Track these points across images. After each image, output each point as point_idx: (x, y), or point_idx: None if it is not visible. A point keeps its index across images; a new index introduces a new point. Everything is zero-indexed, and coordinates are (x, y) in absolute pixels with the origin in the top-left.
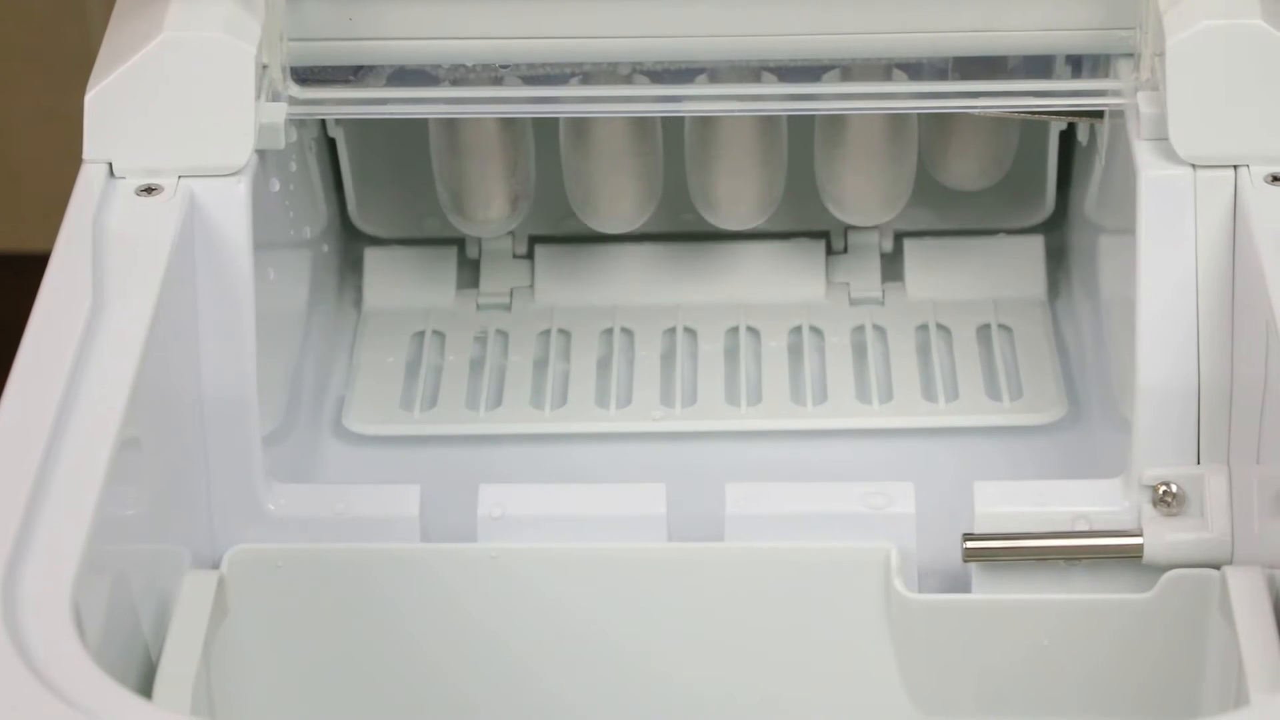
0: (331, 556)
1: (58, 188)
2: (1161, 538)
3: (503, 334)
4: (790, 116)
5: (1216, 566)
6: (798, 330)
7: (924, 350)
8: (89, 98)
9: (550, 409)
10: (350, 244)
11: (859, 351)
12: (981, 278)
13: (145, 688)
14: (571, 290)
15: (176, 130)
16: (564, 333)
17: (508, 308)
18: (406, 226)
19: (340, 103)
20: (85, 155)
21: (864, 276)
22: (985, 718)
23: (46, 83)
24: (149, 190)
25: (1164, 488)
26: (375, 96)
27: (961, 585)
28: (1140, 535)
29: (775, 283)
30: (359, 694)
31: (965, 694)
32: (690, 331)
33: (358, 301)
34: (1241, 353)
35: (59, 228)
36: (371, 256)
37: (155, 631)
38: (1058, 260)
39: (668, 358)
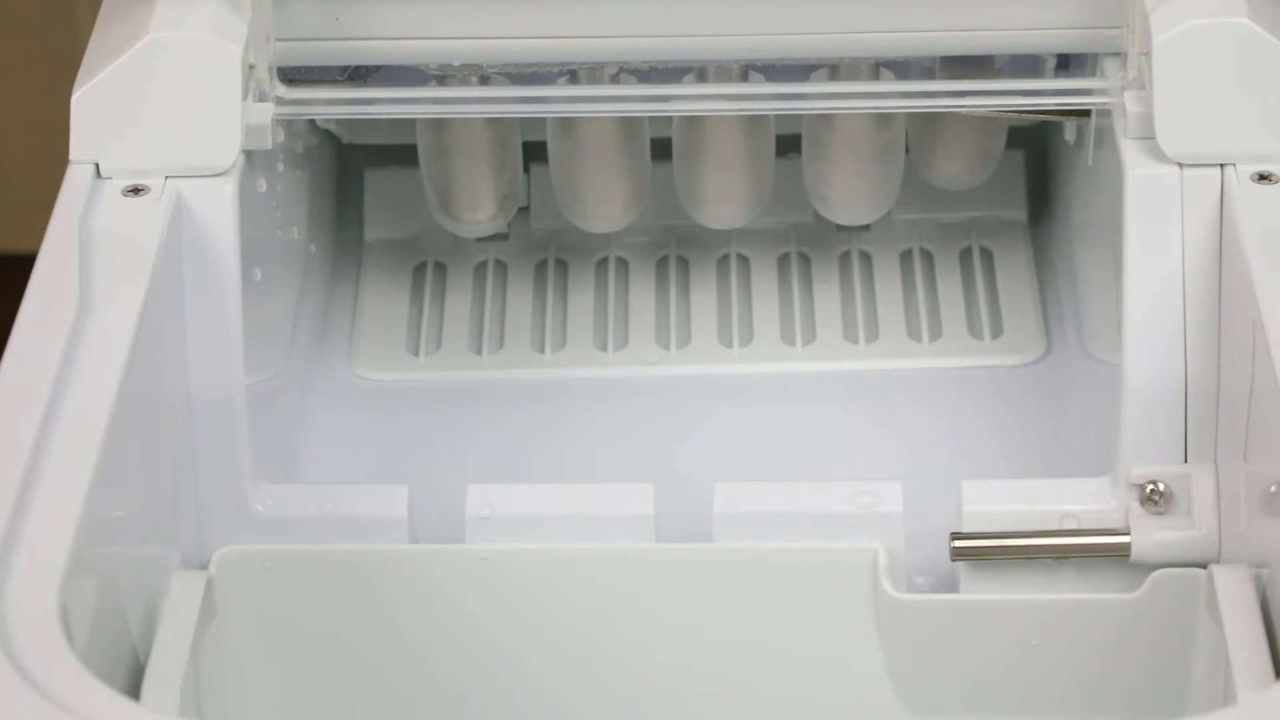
0: (320, 557)
1: (44, 188)
2: (1149, 536)
3: (502, 265)
4: (778, 116)
5: (1203, 565)
6: (787, 258)
7: (909, 281)
8: (75, 98)
9: (550, 351)
10: (347, 172)
11: (846, 282)
12: (965, 196)
13: (133, 689)
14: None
15: (163, 131)
16: (561, 263)
17: (506, 236)
18: (398, 132)
19: (327, 103)
20: (72, 156)
21: None
22: (973, 717)
23: (33, 83)
24: (136, 191)
25: (1151, 486)
26: (362, 96)
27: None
28: (1128, 534)
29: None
30: (348, 695)
31: (953, 693)
32: (683, 260)
33: (359, 229)
34: (1228, 351)
35: (46, 228)
36: (371, 179)
37: (143, 633)
38: (1039, 181)
39: (662, 290)
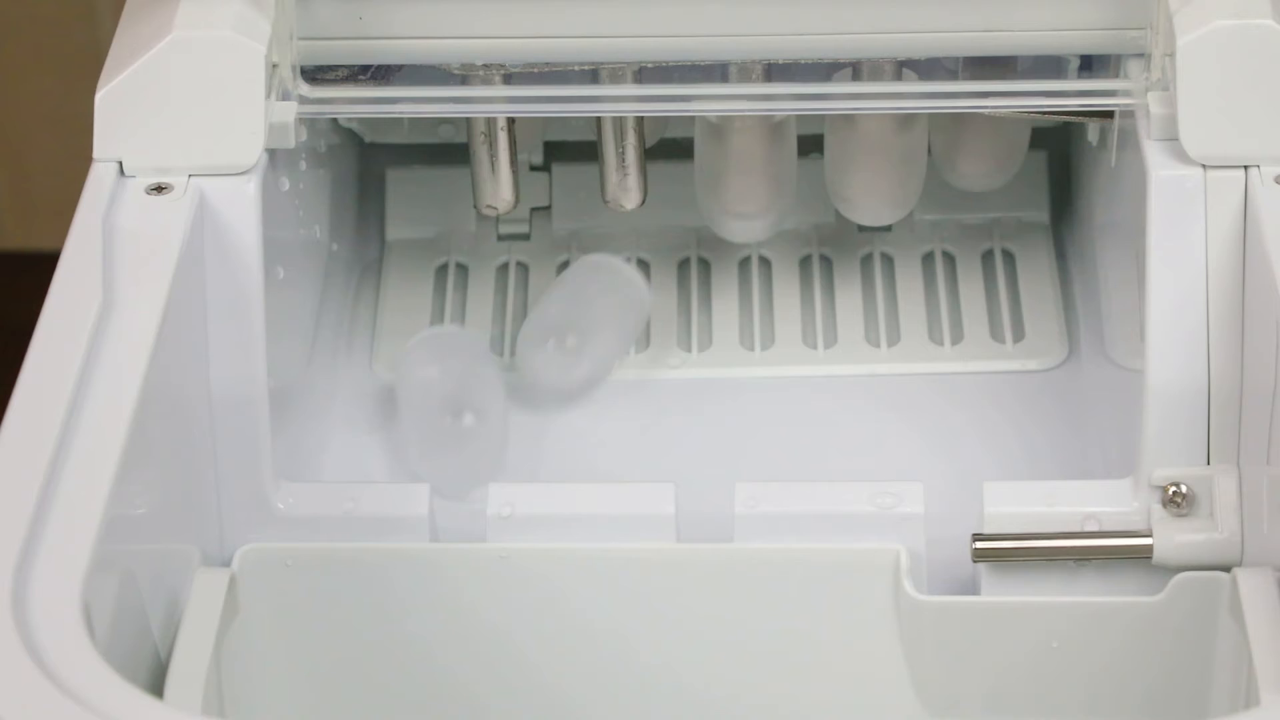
0: (342, 555)
1: (68, 187)
2: (1171, 538)
3: (524, 265)
4: (799, 116)
5: (1226, 568)
6: (808, 260)
7: (930, 283)
8: (99, 96)
9: None
10: (369, 171)
11: (868, 284)
12: (987, 198)
13: (156, 687)
14: (588, 213)
15: (186, 129)
16: None
17: (527, 236)
18: (421, 132)
19: (350, 101)
20: (95, 154)
21: None
22: (994, 719)
23: (56, 81)
24: (159, 189)
25: (1174, 488)
26: (385, 95)
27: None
28: (1150, 536)
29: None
30: (369, 692)
31: (974, 695)
32: (704, 262)
33: (381, 229)
34: (1251, 353)
35: (69, 226)
36: (393, 179)
37: (165, 631)
38: (1061, 183)
39: (683, 292)
